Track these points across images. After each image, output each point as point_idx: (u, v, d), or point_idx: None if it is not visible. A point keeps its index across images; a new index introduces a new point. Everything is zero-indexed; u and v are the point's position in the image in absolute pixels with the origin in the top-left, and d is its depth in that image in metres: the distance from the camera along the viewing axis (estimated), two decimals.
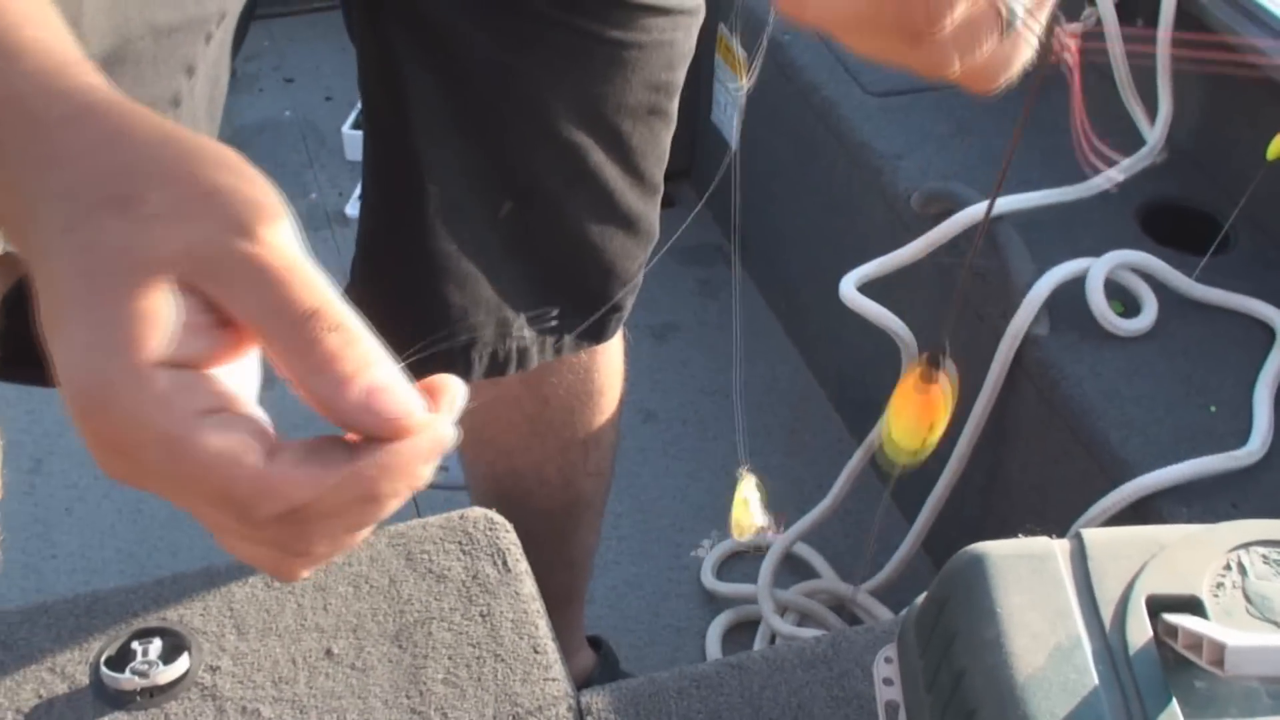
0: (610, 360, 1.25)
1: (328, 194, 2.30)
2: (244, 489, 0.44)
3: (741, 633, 1.62)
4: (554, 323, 1.10)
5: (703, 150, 2.14)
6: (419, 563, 1.02)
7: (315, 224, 2.22)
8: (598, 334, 1.14)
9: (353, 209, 2.26)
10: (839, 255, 1.59)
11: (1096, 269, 1.36)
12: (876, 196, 1.60)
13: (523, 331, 1.08)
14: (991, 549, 0.80)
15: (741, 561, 1.68)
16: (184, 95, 0.76)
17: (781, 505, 1.73)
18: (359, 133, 2.38)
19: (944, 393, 0.47)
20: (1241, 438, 1.24)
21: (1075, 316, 1.36)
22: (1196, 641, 0.74)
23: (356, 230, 1.10)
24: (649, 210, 1.07)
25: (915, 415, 0.48)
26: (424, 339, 1.07)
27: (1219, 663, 0.72)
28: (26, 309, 0.69)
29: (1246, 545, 0.82)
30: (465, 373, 1.08)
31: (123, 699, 0.91)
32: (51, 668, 0.94)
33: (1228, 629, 0.75)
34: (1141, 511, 1.20)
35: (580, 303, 1.10)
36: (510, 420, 1.25)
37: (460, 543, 1.03)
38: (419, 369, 1.16)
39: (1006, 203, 1.46)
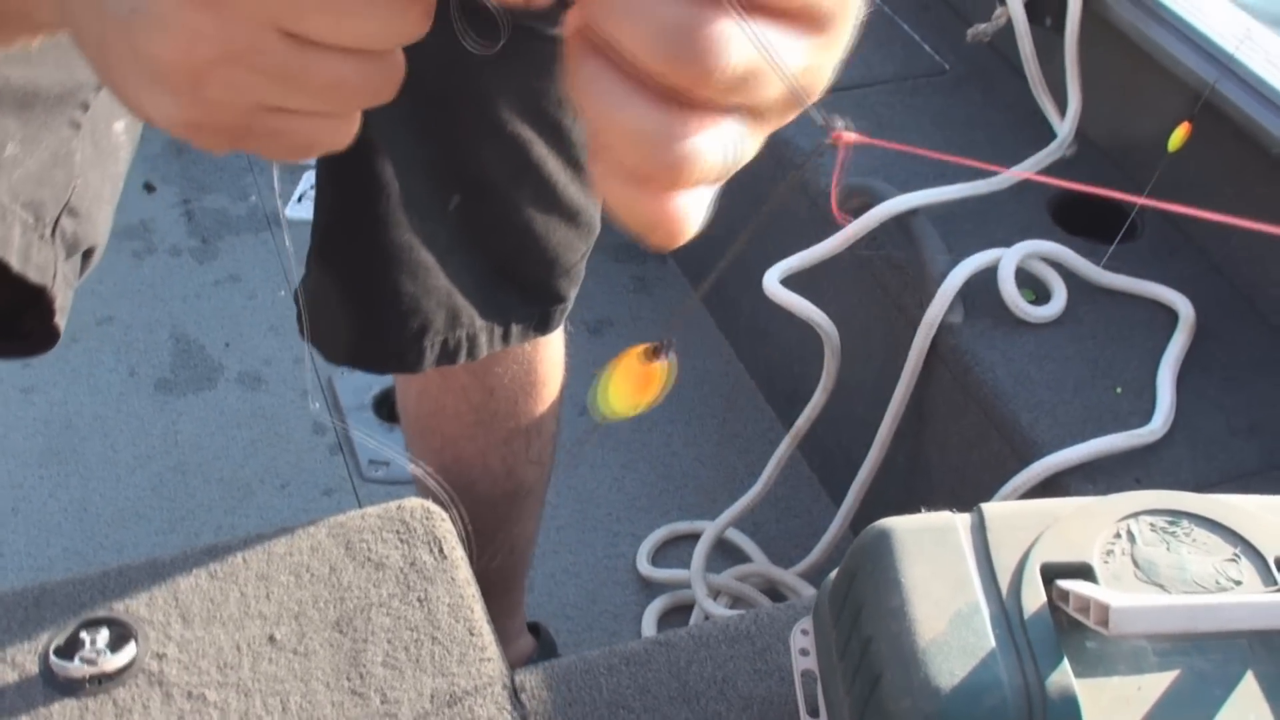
0: (552, 351, 1.29)
1: (266, 197, 2.33)
2: None
3: (676, 617, 1.67)
4: (502, 313, 1.14)
5: None
6: (358, 551, 1.06)
7: (255, 226, 2.25)
8: (543, 325, 1.18)
9: (291, 211, 2.28)
10: (764, 250, 1.64)
11: (1008, 259, 1.42)
12: (799, 192, 1.66)
13: (472, 321, 1.12)
14: (897, 524, 0.86)
15: (676, 548, 1.73)
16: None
17: (714, 493, 1.78)
18: None
19: (662, 373, 0.50)
20: (1145, 417, 1.30)
21: (988, 304, 1.42)
22: (1086, 604, 0.79)
23: (311, 222, 1.13)
24: (590, 203, 1.11)
25: (635, 386, 0.52)
26: (378, 327, 1.12)
27: (1105, 623, 0.77)
28: None
29: (1135, 515, 0.87)
30: (417, 361, 1.12)
31: (72, 686, 0.95)
32: (1, 658, 0.97)
33: (1114, 592, 0.81)
34: (1051, 489, 1.26)
35: (527, 294, 1.15)
36: (456, 410, 1.29)
37: (398, 531, 1.07)
38: (371, 357, 1.20)
39: (922, 196, 1.52)
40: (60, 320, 0.80)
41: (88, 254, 0.84)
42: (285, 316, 2.02)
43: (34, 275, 0.76)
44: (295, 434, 1.84)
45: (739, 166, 0.47)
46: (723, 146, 0.43)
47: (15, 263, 0.74)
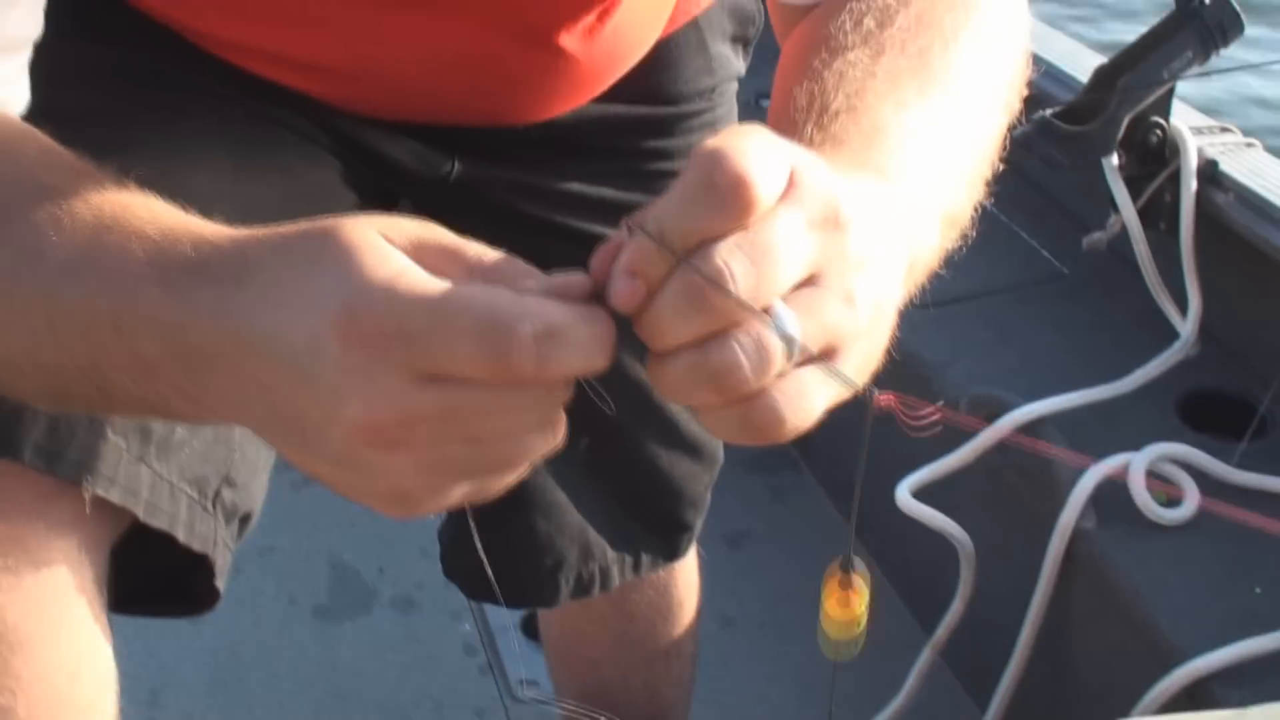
0: (687, 573, 1.34)
1: None
2: (505, 305, 0.51)
3: None
4: (631, 544, 1.20)
5: None
6: None
7: None
8: (672, 553, 1.23)
9: None
10: (896, 459, 1.68)
11: (1137, 463, 1.44)
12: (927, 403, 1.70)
13: (604, 554, 1.18)
14: None
15: None
16: None
17: (858, 701, 1.79)
18: None
19: (860, 592, 0.57)
20: None
21: (1120, 509, 1.44)
22: None
23: None
24: (712, 437, 1.17)
25: (842, 614, 0.59)
26: (515, 565, 1.18)
27: None
28: (136, 551, 0.81)
29: None
30: (553, 596, 1.18)
31: None
32: None
33: None
34: (1196, 694, 1.26)
35: (654, 525, 1.20)
36: (597, 636, 1.34)
37: None
38: (509, 594, 1.26)
39: (1048, 404, 1.55)
40: (221, 582, 0.88)
41: (245, 519, 0.91)
42: (435, 540, 2.10)
43: (198, 545, 0.83)
44: (447, 655, 1.90)
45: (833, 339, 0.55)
46: (739, 354, 0.52)
47: (182, 535, 0.81)
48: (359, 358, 0.51)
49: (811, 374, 0.55)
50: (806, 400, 0.55)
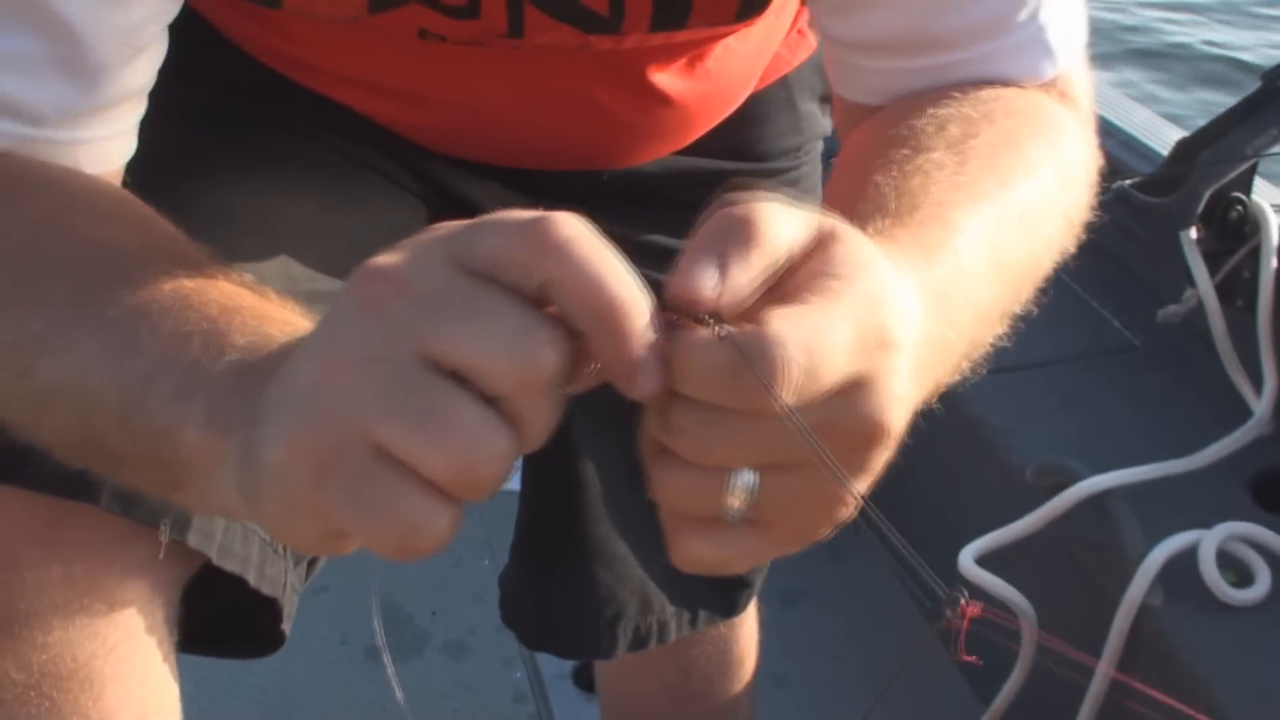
0: (747, 630, 1.33)
1: None
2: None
3: None
4: (690, 599, 1.20)
5: None
6: None
7: None
8: (729, 609, 1.23)
9: None
10: (958, 526, 1.66)
11: (1208, 541, 1.42)
12: (992, 470, 1.68)
13: (663, 608, 1.17)
14: None
15: None
16: None
17: None
18: None
19: None
20: None
21: (1189, 587, 1.41)
22: None
23: (518, 495, 1.21)
24: None
25: None
26: (574, 616, 1.18)
27: None
28: (203, 592, 0.81)
29: None
30: (611, 648, 1.17)
31: None
32: None
33: None
34: None
35: (713, 580, 1.20)
36: (654, 690, 1.33)
37: None
38: (567, 644, 1.26)
39: (1117, 476, 1.53)
40: (287, 626, 0.88)
41: (313, 561, 0.91)
42: (489, 586, 2.08)
43: (268, 589, 0.83)
44: (497, 702, 1.89)
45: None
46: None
47: (252, 578, 0.82)
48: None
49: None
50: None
